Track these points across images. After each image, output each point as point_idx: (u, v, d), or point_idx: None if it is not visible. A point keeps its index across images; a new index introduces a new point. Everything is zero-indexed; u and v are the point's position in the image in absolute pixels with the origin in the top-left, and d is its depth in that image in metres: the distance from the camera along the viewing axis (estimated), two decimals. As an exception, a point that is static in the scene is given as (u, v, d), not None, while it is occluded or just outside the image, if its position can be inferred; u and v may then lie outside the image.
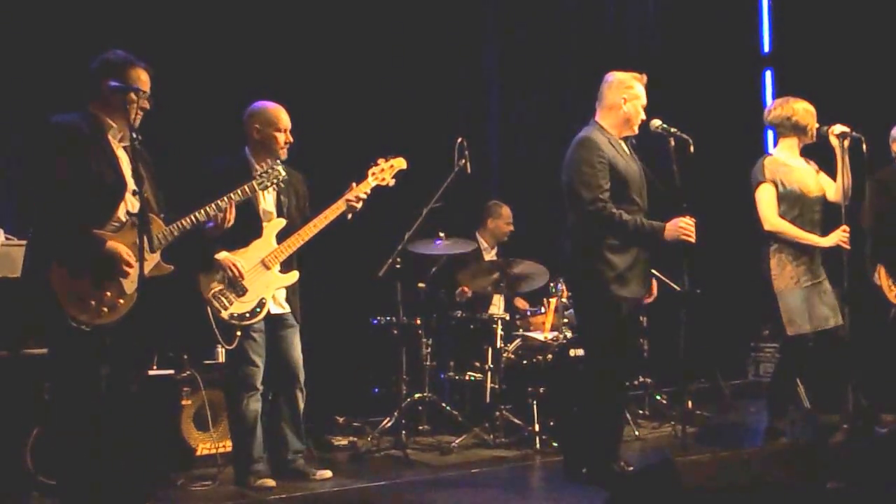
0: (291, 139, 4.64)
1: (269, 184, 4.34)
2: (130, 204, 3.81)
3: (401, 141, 5.28)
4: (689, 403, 6.21)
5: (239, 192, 4.21)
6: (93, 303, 3.69)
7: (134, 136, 3.75)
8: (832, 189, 5.04)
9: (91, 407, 3.74)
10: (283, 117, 4.64)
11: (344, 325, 6.12)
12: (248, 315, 4.50)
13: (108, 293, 3.73)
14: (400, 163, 4.83)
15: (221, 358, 5.28)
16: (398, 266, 5.45)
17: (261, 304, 4.54)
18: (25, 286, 3.82)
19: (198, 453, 4.97)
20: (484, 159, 6.78)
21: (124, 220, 3.80)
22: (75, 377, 3.74)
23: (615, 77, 4.56)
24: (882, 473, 3.84)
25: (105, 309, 3.72)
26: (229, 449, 4.83)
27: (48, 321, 3.75)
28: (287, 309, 4.70)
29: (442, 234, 5.89)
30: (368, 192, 4.72)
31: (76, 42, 5.07)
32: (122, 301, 3.76)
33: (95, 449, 3.80)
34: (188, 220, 3.98)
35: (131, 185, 3.79)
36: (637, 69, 4.64)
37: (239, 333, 4.48)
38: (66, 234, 3.67)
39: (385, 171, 4.78)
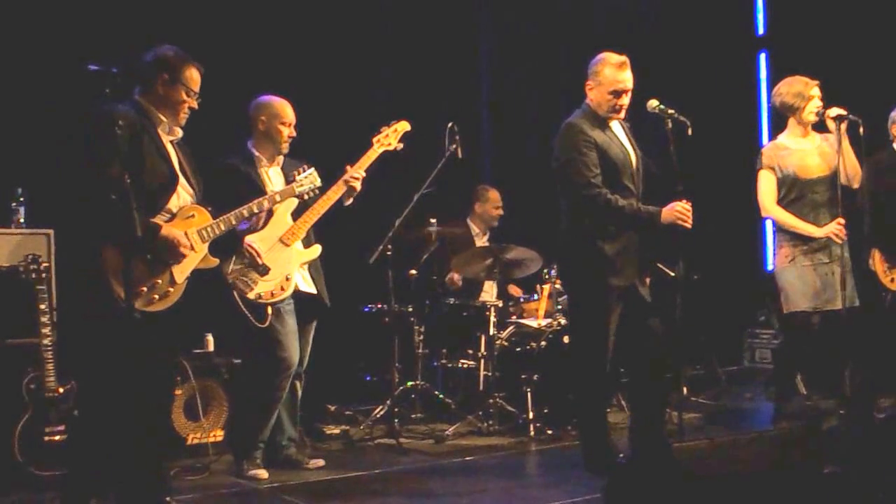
0: (294, 133, 4.66)
1: (307, 188, 4.44)
2: (181, 196, 3.84)
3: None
4: (685, 390, 6.17)
5: (277, 195, 4.32)
6: (144, 289, 3.69)
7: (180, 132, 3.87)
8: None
9: (129, 394, 3.68)
10: (289, 112, 4.66)
11: (335, 312, 6.06)
12: (274, 292, 4.48)
13: (160, 280, 3.74)
14: (404, 125, 4.83)
15: (211, 347, 5.26)
16: (389, 253, 5.41)
17: (286, 280, 4.52)
18: (75, 269, 3.81)
19: (188, 443, 4.93)
20: (475, 144, 6.73)
21: (175, 211, 3.82)
22: (119, 362, 3.66)
23: (592, 61, 4.46)
24: (879, 458, 3.82)
25: (156, 296, 3.72)
26: (220, 438, 4.82)
27: (98, 305, 3.67)
28: (314, 290, 4.70)
29: (433, 220, 5.83)
30: (374, 158, 4.72)
31: (81, 38, 5.11)
32: (171, 290, 3.76)
33: (126, 437, 3.75)
34: (235, 215, 4.01)
35: (182, 177, 3.84)
36: (630, 52, 4.54)
37: (270, 311, 4.45)
38: (123, 219, 3.56)
39: (389, 136, 4.78)
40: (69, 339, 4.19)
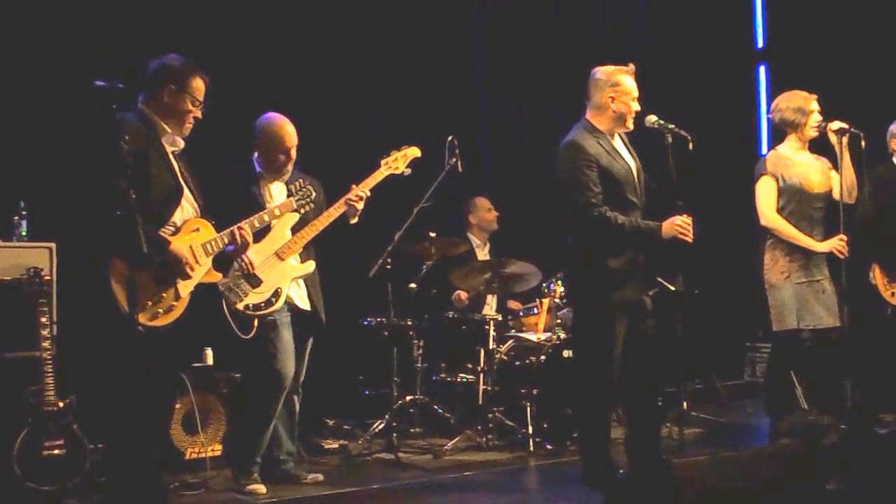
0: (293, 157, 4.65)
1: (303, 203, 4.44)
2: (185, 209, 3.84)
3: (391, 139, 5.21)
4: (686, 404, 6.15)
5: (276, 209, 4.33)
6: (149, 303, 3.68)
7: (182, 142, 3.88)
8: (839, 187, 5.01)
9: (130, 407, 3.68)
10: (287, 138, 4.63)
11: (334, 326, 6.05)
12: (263, 305, 4.47)
13: (165, 295, 3.73)
14: (414, 152, 4.83)
15: (210, 361, 5.23)
16: (389, 266, 5.40)
17: (276, 294, 4.50)
18: (80, 280, 3.82)
19: (186, 458, 4.90)
20: (474, 158, 6.72)
21: (179, 224, 3.81)
22: (124, 377, 3.67)
23: (600, 74, 4.46)
24: (881, 474, 3.80)
25: (160, 310, 3.72)
26: (218, 453, 4.79)
27: (102, 318, 3.67)
28: (309, 306, 4.68)
29: (433, 234, 5.81)
30: (380, 180, 4.71)
31: (86, 52, 5.12)
32: (176, 304, 3.76)
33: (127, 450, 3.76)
34: (237, 229, 4.01)
35: (186, 189, 3.84)
36: (627, 63, 4.55)
37: (256, 324, 4.43)
38: (128, 235, 3.54)
39: (398, 161, 4.78)
40: (73, 350, 4.16)
